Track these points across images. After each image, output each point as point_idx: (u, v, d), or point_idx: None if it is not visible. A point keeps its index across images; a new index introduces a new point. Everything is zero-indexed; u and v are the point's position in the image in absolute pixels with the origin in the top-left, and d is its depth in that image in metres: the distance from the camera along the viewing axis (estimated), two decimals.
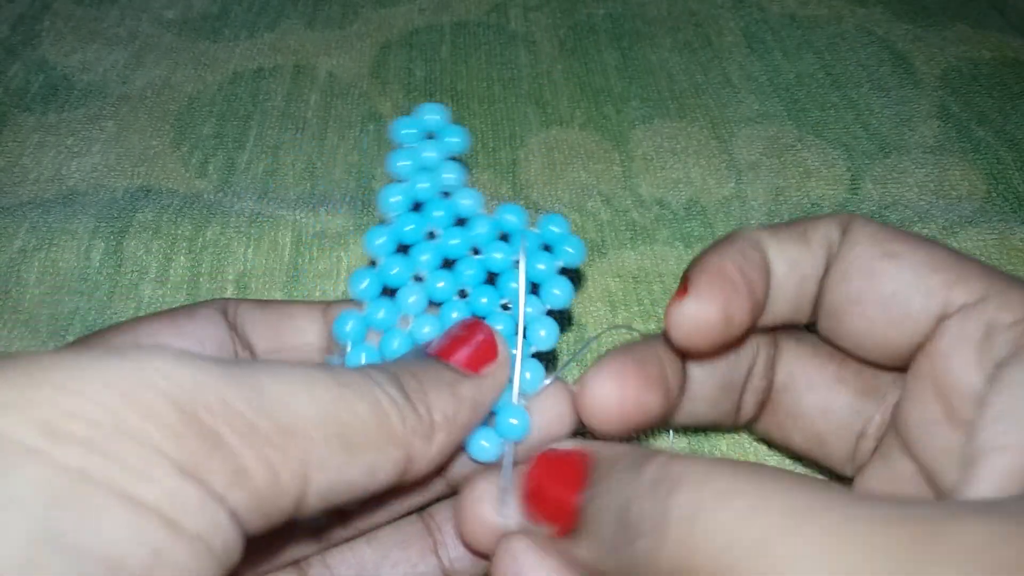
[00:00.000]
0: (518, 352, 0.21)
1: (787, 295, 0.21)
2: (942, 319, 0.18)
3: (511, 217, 0.23)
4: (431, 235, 0.23)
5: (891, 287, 0.19)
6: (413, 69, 0.43)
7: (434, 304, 0.23)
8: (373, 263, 0.23)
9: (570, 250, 0.23)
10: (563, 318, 0.29)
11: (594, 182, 0.36)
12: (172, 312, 0.21)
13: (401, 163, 0.24)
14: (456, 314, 0.22)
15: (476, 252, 0.23)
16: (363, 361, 0.22)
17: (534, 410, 0.21)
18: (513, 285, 0.23)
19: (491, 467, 0.20)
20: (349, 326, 0.22)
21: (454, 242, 0.23)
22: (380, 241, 0.23)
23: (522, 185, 0.36)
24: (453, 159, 0.24)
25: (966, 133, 0.39)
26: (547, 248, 0.23)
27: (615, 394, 0.20)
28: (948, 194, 0.36)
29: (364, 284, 0.22)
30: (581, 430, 0.21)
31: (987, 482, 0.16)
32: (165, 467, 0.13)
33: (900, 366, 0.20)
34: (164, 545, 0.13)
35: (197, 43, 0.45)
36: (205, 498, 0.14)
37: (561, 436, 0.21)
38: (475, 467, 0.21)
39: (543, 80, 0.42)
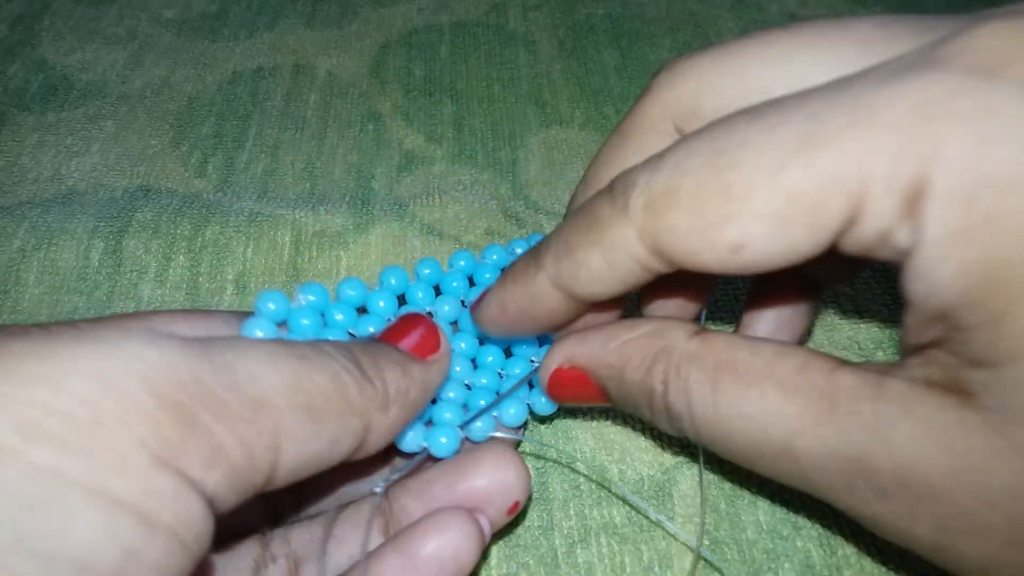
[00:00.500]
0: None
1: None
2: None
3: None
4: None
5: None
6: (412, 69, 0.43)
7: None
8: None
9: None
10: None
11: None
12: (190, 310, 0.22)
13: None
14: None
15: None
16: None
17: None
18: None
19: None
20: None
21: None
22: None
23: (522, 185, 0.36)
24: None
25: None
26: None
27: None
28: None
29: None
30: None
31: None
32: (142, 458, 0.13)
33: None
34: (137, 544, 0.13)
35: (196, 43, 0.45)
36: (180, 487, 0.14)
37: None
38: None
39: (543, 80, 0.42)
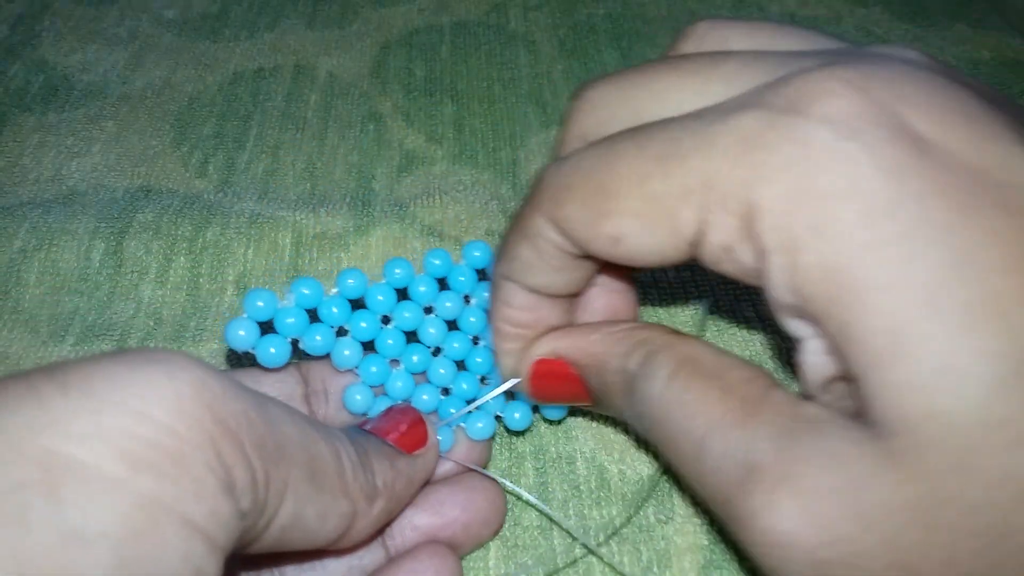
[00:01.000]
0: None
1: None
2: None
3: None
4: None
5: None
6: (413, 69, 0.43)
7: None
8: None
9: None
10: None
11: None
12: None
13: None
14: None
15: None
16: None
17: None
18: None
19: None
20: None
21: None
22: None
23: (522, 185, 0.36)
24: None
25: None
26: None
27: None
28: None
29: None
30: None
31: None
32: (212, 484, 0.14)
33: None
34: (203, 565, 0.14)
35: (197, 43, 0.45)
36: (233, 512, 0.14)
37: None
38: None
39: (543, 80, 0.43)
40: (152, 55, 0.44)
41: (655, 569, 0.23)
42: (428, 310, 0.25)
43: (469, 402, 0.24)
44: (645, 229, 0.18)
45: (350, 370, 0.24)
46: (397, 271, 0.24)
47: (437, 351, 0.25)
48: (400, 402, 0.24)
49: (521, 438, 0.26)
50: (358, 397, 0.23)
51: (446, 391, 0.25)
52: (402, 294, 0.25)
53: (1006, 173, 0.15)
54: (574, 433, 0.26)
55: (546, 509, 0.24)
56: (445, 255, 0.26)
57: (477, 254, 0.26)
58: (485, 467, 0.24)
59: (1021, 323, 0.14)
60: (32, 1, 0.47)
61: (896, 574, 0.15)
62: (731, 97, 0.18)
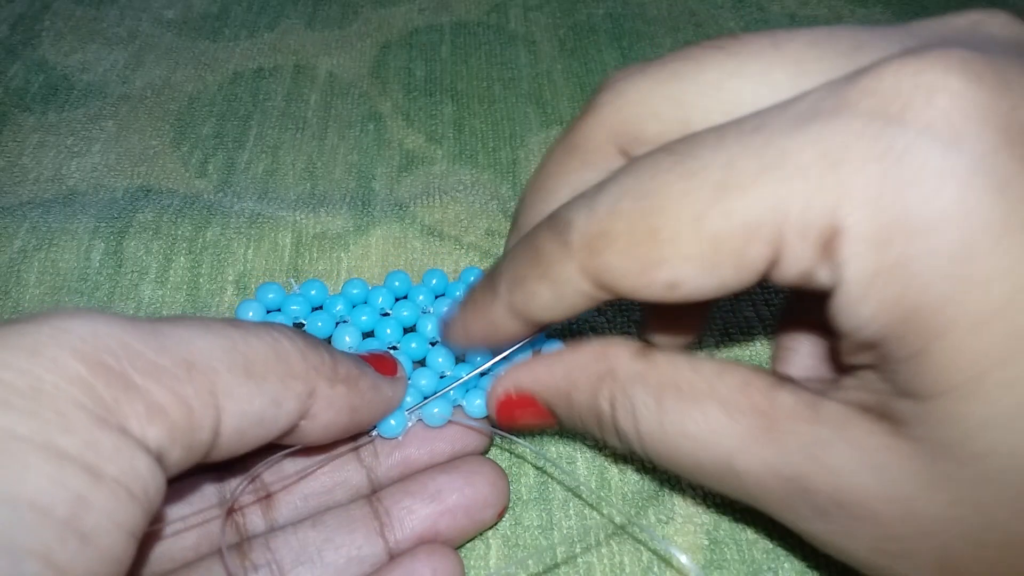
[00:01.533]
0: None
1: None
2: None
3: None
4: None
5: None
6: (413, 69, 0.43)
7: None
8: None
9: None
10: None
11: None
12: None
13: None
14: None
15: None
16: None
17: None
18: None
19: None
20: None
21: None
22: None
23: (522, 185, 0.36)
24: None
25: None
26: None
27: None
28: None
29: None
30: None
31: None
32: (82, 418, 0.14)
33: None
34: (86, 491, 0.14)
35: (197, 43, 0.45)
36: (122, 443, 0.15)
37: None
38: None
39: (543, 80, 0.42)
40: (152, 55, 0.44)
41: (655, 569, 0.23)
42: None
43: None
44: (708, 271, 0.16)
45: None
46: (396, 283, 0.27)
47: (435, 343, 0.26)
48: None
49: (521, 438, 0.26)
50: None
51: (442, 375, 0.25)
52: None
53: None
54: (574, 433, 0.26)
55: (564, 475, 0.24)
56: (442, 275, 0.28)
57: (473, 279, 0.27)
58: (486, 450, 0.24)
59: None
60: (32, 1, 0.47)
61: (942, 565, 0.15)
62: (801, 92, 0.15)
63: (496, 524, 0.24)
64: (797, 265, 0.15)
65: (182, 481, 0.21)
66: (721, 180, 0.15)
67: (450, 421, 0.23)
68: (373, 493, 0.23)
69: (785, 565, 0.23)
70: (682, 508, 0.24)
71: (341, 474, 0.23)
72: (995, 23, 0.16)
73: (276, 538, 0.21)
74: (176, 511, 0.21)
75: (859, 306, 0.14)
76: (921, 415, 0.15)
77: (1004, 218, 0.13)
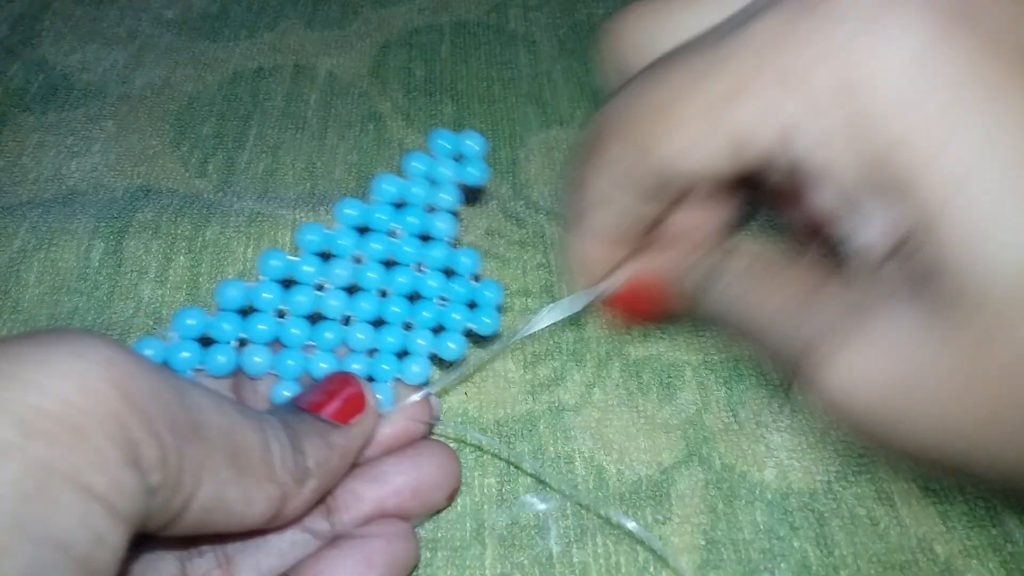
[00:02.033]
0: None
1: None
2: None
3: (465, 259, 0.26)
4: (392, 234, 0.25)
5: None
6: (413, 69, 0.43)
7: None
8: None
9: (473, 171, 0.26)
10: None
11: None
12: None
13: (416, 164, 0.26)
14: (325, 365, 0.24)
15: (420, 269, 0.25)
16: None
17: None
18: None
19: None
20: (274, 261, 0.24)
21: (401, 243, 0.25)
22: (349, 211, 0.25)
23: (522, 185, 0.36)
24: (464, 186, 0.26)
25: None
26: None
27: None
28: None
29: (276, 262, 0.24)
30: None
31: None
32: (115, 458, 0.15)
33: None
34: (105, 531, 0.14)
35: (197, 43, 0.45)
36: (139, 486, 0.15)
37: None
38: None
39: (543, 80, 0.43)
40: (152, 55, 0.44)
41: (651, 569, 0.23)
42: (319, 287, 0.25)
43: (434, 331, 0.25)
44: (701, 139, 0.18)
45: (270, 373, 0.24)
46: (274, 262, 0.24)
47: (347, 320, 0.24)
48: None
49: (520, 438, 0.26)
50: (285, 393, 0.23)
51: (372, 352, 0.24)
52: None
53: None
54: (573, 433, 0.26)
55: (492, 444, 0.24)
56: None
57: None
58: (433, 422, 0.24)
59: None
60: (32, 1, 0.47)
61: (943, 430, 0.16)
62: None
63: (447, 506, 0.24)
64: (770, 133, 0.17)
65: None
66: (726, 89, 0.17)
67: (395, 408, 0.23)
68: None
69: (782, 566, 0.23)
70: (679, 508, 0.24)
71: None
72: None
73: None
74: None
75: (837, 163, 0.16)
76: (924, 248, 0.15)
77: (933, 69, 0.15)
